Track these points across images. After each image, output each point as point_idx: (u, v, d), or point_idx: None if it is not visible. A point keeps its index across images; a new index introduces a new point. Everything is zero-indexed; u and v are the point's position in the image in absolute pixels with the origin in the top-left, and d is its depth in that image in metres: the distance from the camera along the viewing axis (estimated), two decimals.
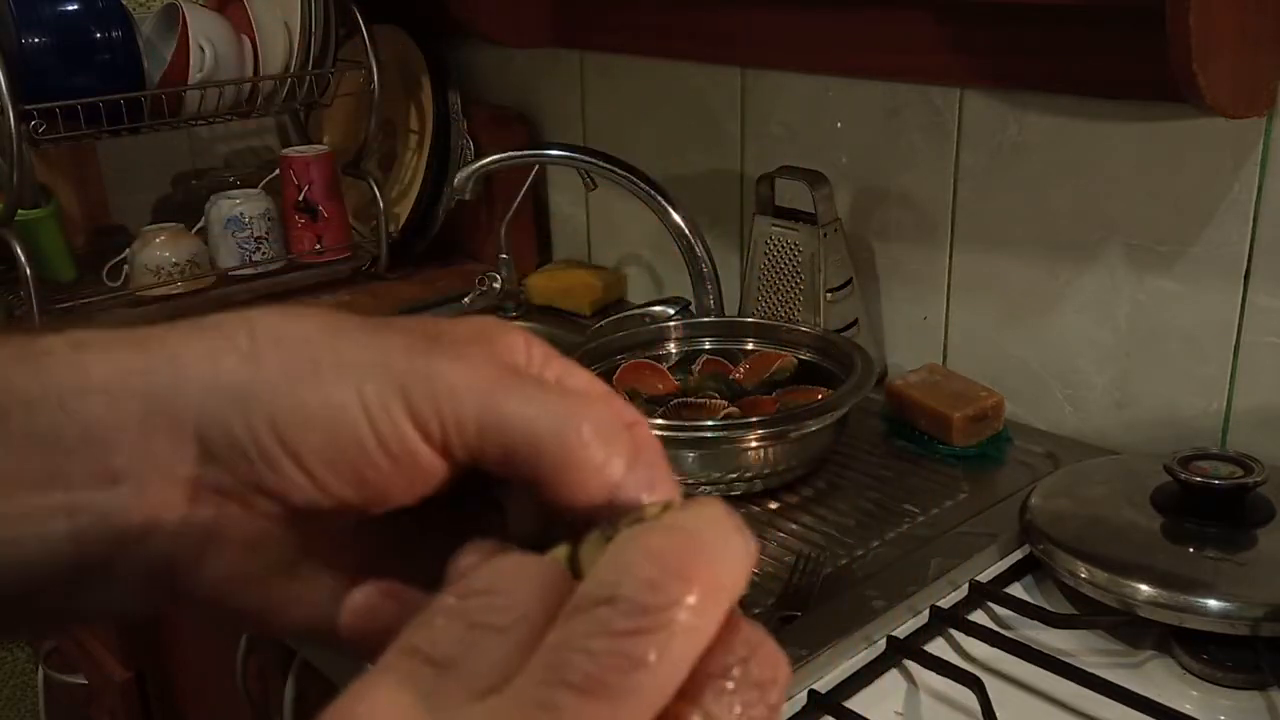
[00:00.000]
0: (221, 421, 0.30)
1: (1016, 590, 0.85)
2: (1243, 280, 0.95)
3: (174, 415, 0.30)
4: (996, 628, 0.80)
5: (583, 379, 0.33)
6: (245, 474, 0.30)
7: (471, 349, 0.31)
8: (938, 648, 0.78)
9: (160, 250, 1.40)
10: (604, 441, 0.29)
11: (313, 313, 0.32)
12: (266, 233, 1.48)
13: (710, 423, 0.96)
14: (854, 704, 0.72)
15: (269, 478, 0.30)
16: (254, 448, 0.29)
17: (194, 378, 0.30)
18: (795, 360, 1.09)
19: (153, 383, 0.30)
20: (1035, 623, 0.79)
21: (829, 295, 1.14)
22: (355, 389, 0.29)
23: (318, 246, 1.51)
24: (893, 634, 0.78)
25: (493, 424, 0.29)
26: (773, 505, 0.97)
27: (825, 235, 1.13)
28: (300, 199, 1.48)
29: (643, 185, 1.22)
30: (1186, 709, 0.68)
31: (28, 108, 1.23)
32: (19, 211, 1.30)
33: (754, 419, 0.97)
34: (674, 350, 1.14)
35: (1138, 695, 0.69)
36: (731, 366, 1.10)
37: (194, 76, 1.34)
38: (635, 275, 1.50)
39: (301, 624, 0.33)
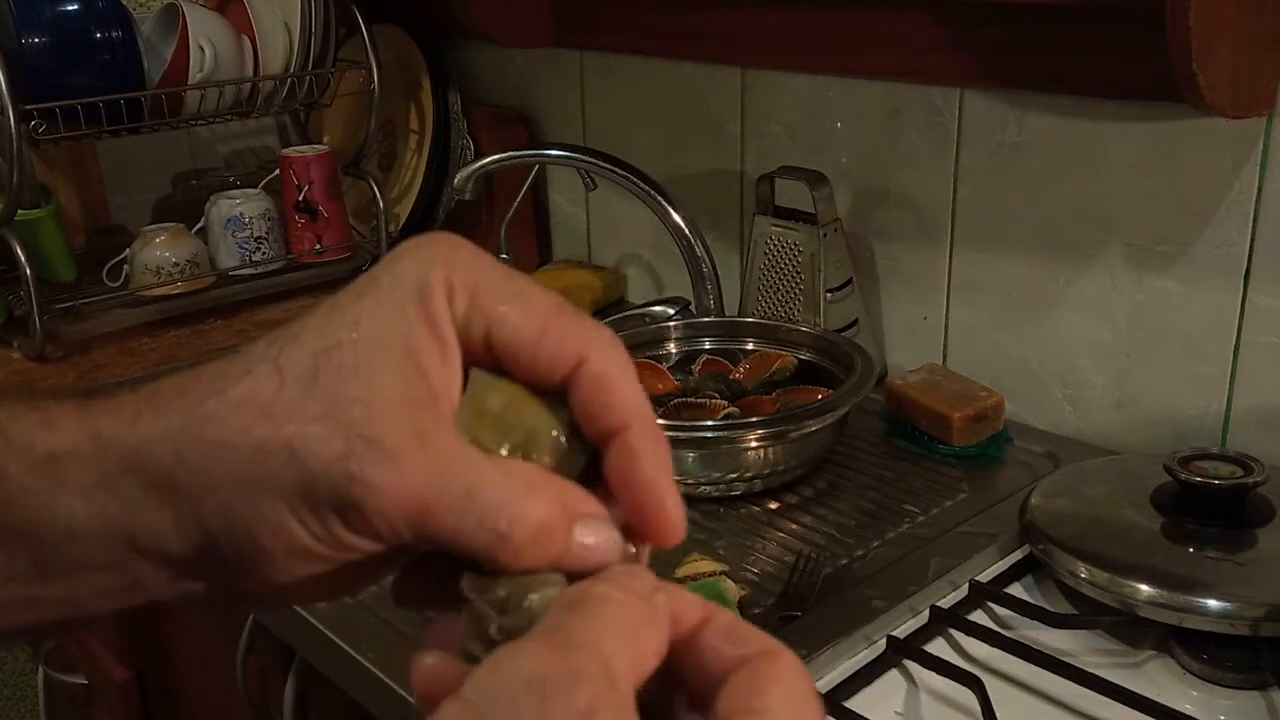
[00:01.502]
0: (164, 526, 0.32)
1: (1016, 590, 0.85)
2: (1243, 280, 0.95)
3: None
4: (996, 628, 0.80)
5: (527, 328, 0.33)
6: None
7: (389, 380, 0.31)
8: (938, 648, 0.78)
9: (160, 250, 1.40)
10: (541, 546, 0.31)
11: (233, 409, 0.31)
12: (266, 233, 1.48)
13: (710, 423, 0.96)
14: (854, 704, 0.72)
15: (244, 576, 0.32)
16: (214, 552, 0.32)
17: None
18: (795, 360, 1.09)
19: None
20: (1035, 623, 0.79)
21: (829, 295, 1.15)
22: (289, 511, 0.31)
23: (318, 247, 1.51)
24: (893, 634, 0.78)
25: (427, 537, 0.30)
26: (773, 505, 0.97)
27: (825, 235, 1.13)
28: (300, 199, 1.48)
29: (643, 185, 1.22)
30: (1186, 709, 0.68)
31: (28, 108, 1.23)
32: (19, 211, 1.30)
33: (754, 419, 0.97)
34: (674, 350, 1.14)
35: (1138, 695, 0.69)
36: (731, 366, 1.10)
37: (194, 76, 1.34)
38: (635, 275, 1.50)
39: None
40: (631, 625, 0.28)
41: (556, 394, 0.33)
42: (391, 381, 0.31)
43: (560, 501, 0.31)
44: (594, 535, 0.31)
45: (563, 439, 0.33)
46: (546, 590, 0.30)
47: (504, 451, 0.32)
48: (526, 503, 0.30)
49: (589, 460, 0.33)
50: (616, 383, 0.33)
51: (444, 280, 0.32)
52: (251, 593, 0.33)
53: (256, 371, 0.31)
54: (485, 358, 0.33)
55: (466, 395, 0.32)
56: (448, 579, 0.32)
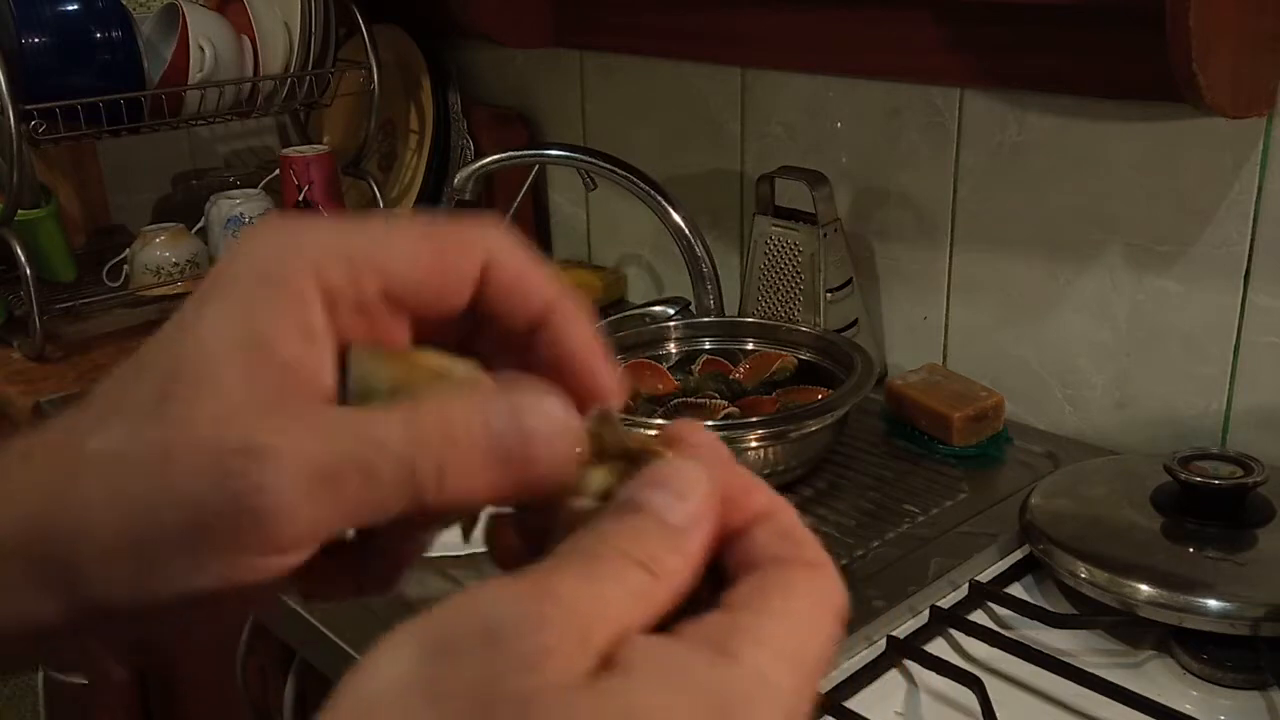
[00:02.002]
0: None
1: (1016, 590, 0.85)
2: (1243, 280, 0.95)
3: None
4: (996, 628, 0.80)
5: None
6: None
7: (242, 384, 0.28)
8: (938, 648, 0.78)
9: (160, 250, 1.40)
10: (468, 466, 0.28)
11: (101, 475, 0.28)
12: None
13: (710, 423, 0.96)
14: (854, 704, 0.72)
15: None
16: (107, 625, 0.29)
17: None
18: (795, 360, 1.09)
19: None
20: (1035, 623, 0.79)
21: (829, 295, 1.14)
22: (199, 572, 0.27)
23: None
24: (893, 634, 0.78)
25: (348, 514, 0.28)
26: None
27: (825, 235, 1.13)
28: (300, 199, 1.48)
29: (643, 185, 1.22)
30: (1186, 709, 0.68)
31: (28, 108, 1.23)
32: (19, 211, 1.30)
33: (754, 419, 0.97)
34: (674, 350, 1.14)
35: (1138, 695, 0.69)
36: (731, 366, 1.10)
37: (194, 76, 1.34)
38: (635, 275, 1.50)
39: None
40: (640, 592, 0.26)
41: (452, 349, 0.31)
42: (245, 385, 0.28)
43: (465, 398, 0.28)
44: (516, 413, 0.28)
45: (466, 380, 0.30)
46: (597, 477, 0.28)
47: None
48: (426, 415, 0.28)
49: None
50: (527, 272, 0.30)
51: (302, 259, 0.29)
52: (170, 643, 0.31)
53: (108, 424, 0.28)
54: (385, 314, 0.30)
55: (349, 379, 0.29)
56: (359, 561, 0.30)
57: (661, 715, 0.23)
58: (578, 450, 0.29)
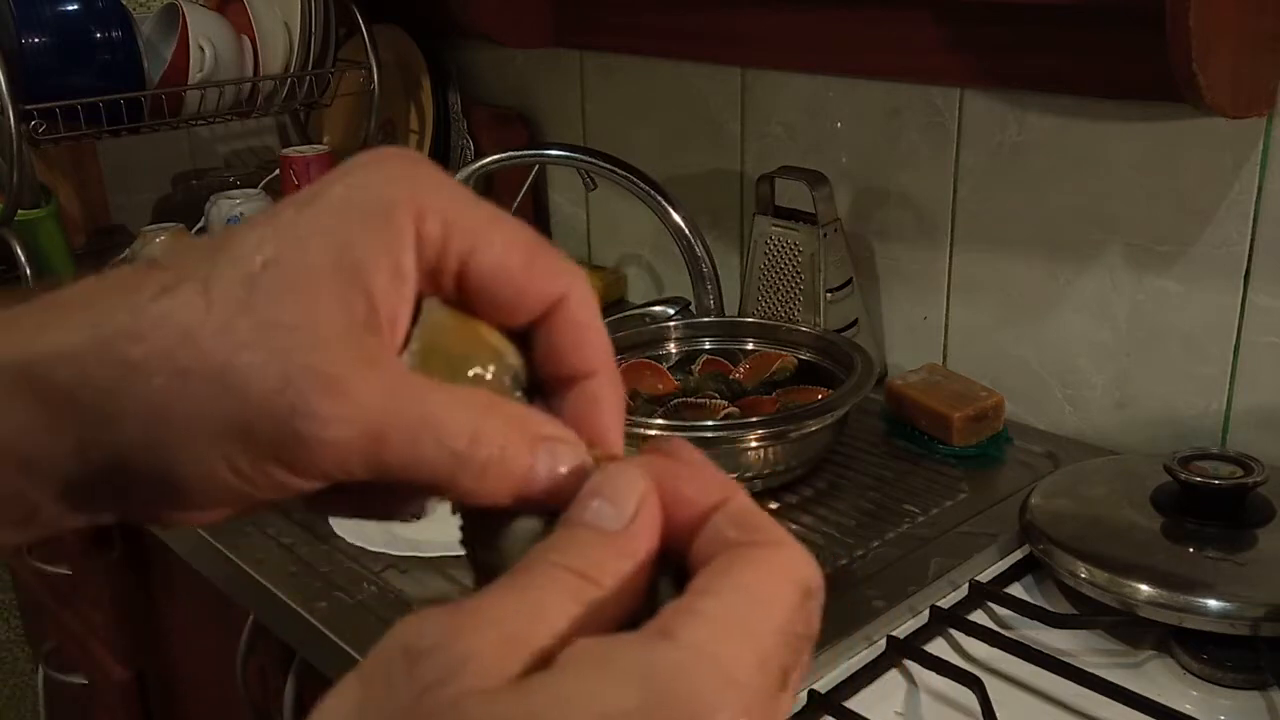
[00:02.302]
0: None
1: (1016, 590, 0.85)
2: (1243, 280, 0.95)
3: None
4: (996, 628, 0.80)
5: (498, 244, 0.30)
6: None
7: (331, 303, 0.27)
8: (938, 648, 0.78)
9: (160, 250, 1.40)
10: (504, 467, 0.28)
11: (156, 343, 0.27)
12: None
13: (710, 423, 0.96)
14: (854, 704, 0.72)
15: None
16: (119, 480, 0.29)
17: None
18: (795, 360, 1.09)
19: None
20: (1035, 623, 0.79)
21: (829, 295, 1.14)
22: (217, 450, 0.27)
23: None
24: (893, 634, 0.78)
25: (381, 469, 0.28)
26: (773, 505, 0.97)
27: (825, 235, 1.13)
28: None
29: (643, 185, 1.22)
30: (1186, 709, 0.68)
31: (28, 108, 1.23)
32: (19, 211, 1.30)
33: (754, 419, 0.97)
34: (674, 350, 1.14)
35: (1138, 695, 0.69)
36: (731, 366, 1.10)
37: (194, 76, 1.34)
38: (635, 275, 1.50)
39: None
40: (573, 594, 0.25)
41: (513, 336, 0.31)
42: (334, 305, 0.27)
43: (520, 422, 0.29)
44: (556, 456, 0.29)
45: (508, 385, 0.31)
46: (528, 523, 0.29)
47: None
48: (486, 421, 0.28)
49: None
50: (593, 326, 0.31)
51: (411, 201, 0.29)
52: (155, 519, 0.30)
53: (180, 290, 0.27)
54: (450, 291, 0.30)
55: (418, 328, 0.30)
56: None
57: (588, 701, 0.23)
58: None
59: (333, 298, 0.28)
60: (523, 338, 0.31)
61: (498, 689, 0.23)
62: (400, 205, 0.28)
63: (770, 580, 0.26)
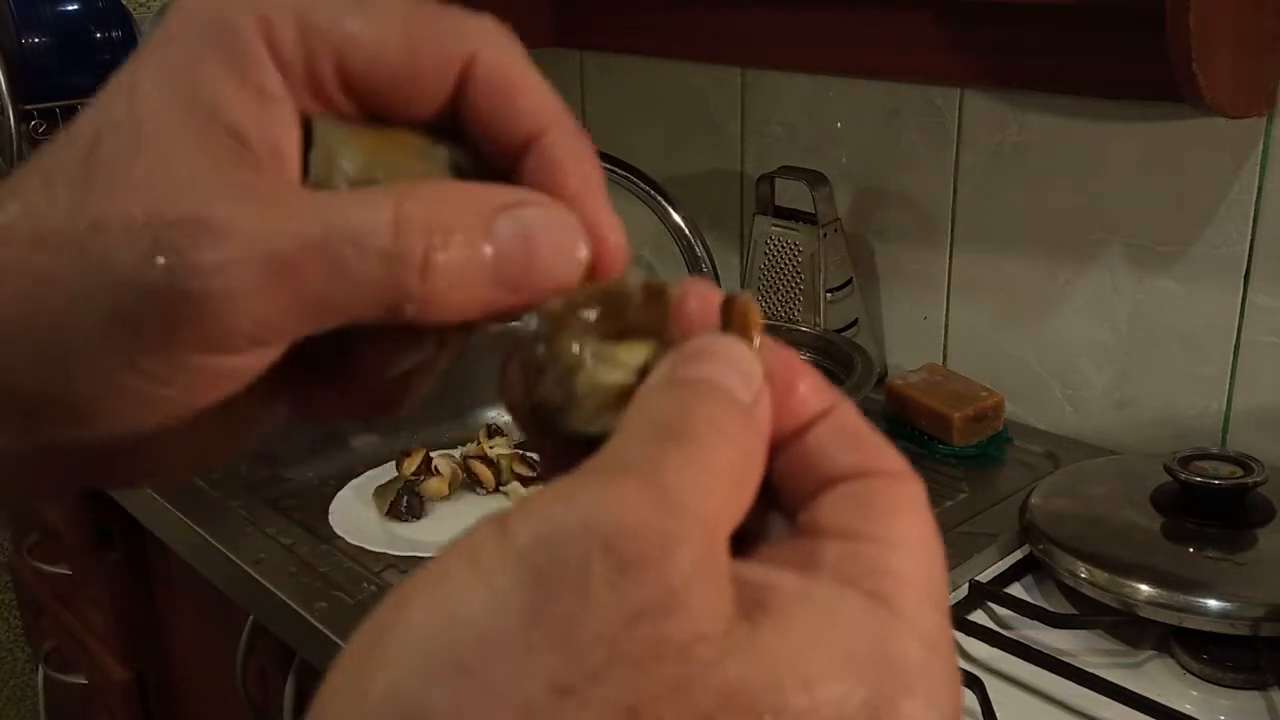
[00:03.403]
0: None
1: (1016, 590, 0.85)
2: (1243, 280, 0.95)
3: None
4: (996, 628, 0.79)
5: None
6: None
7: (186, 147, 0.23)
8: None
9: None
10: (458, 271, 0.24)
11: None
12: None
13: None
14: None
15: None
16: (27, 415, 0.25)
17: None
18: None
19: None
20: (1035, 623, 0.79)
21: (829, 295, 1.14)
22: (112, 354, 0.23)
23: None
24: None
25: (303, 309, 0.23)
26: None
27: (825, 235, 1.13)
28: None
29: (643, 185, 1.22)
30: (1186, 709, 0.68)
31: (28, 108, 1.23)
32: None
33: None
34: None
35: (1138, 695, 0.69)
36: None
37: None
38: (635, 275, 1.50)
39: None
40: (742, 473, 0.21)
41: (434, 130, 0.26)
42: (190, 148, 0.23)
43: (460, 194, 0.24)
44: (523, 223, 0.24)
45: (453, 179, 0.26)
46: (606, 360, 0.24)
47: None
48: (407, 204, 0.23)
49: None
50: (518, 80, 0.25)
51: (253, 15, 0.24)
52: (96, 473, 0.26)
53: (23, 186, 0.24)
54: (345, 103, 0.25)
55: (313, 151, 0.25)
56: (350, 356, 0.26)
57: (829, 674, 0.19)
58: (581, 266, 0.25)
59: (188, 144, 0.23)
60: (460, 132, 0.26)
61: (730, 644, 0.19)
62: (241, 22, 0.24)
63: (929, 527, 0.23)
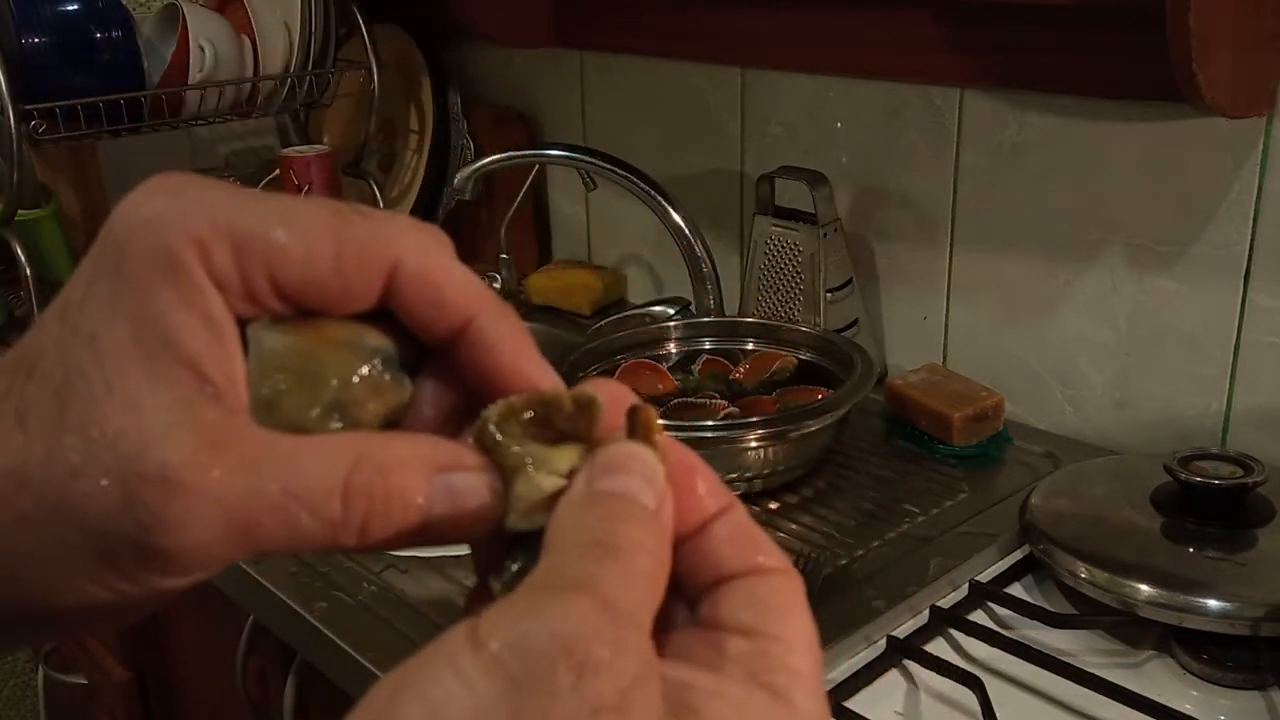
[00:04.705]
0: None
1: (1016, 590, 0.85)
2: (1243, 280, 0.95)
3: None
4: (996, 628, 0.80)
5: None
6: None
7: (152, 391, 0.25)
8: (938, 648, 0.78)
9: None
10: (387, 518, 0.27)
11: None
12: None
13: (710, 423, 0.96)
14: (854, 704, 0.72)
15: None
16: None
17: None
18: (795, 360, 1.09)
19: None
20: (1035, 623, 0.79)
21: (829, 295, 1.14)
22: (87, 578, 0.26)
23: None
24: (893, 634, 0.78)
25: (259, 552, 0.27)
26: (773, 505, 0.97)
27: (825, 235, 1.13)
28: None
29: (643, 185, 1.22)
30: (1186, 709, 0.68)
31: (28, 108, 1.23)
32: (19, 211, 1.30)
33: (754, 419, 0.97)
34: (674, 350, 1.14)
35: (1138, 695, 0.69)
36: (731, 366, 1.10)
37: (194, 76, 1.34)
38: (635, 275, 1.50)
39: None
40: (655, 575, 0.25)
41: (368, 318, 0.28)
42: (156, 392, 0.25)
43: (403, 459, 0.27)
44: (453, 490, 0.27)
45: (380, 371, 0.28)
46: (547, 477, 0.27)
47: (315, 415, 0.27)
48: (356, 476, 0.26)
49: (418, 373, 0.30)
50: (441, 275, 0.28)
51: (190, 238, 0.26)
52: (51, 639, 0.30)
53: (1, 426, 0.26)
54: (278, 307, 0.27)
55: (251, 365, 0.27)
56: None
57: None
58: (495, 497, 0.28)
59: (151, 383, 0.25)
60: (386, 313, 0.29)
61: None
62: (179, 247, 0.26)
63: (810, 620, 0.27)
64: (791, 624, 0.26)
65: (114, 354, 0.25)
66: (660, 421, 0.28)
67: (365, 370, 0.28)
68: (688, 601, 0.27)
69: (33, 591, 0.26)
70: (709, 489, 0.28)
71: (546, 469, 0.27)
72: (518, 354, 0.28)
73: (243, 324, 0.27)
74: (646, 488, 0.26)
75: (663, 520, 0.26)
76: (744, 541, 0.27)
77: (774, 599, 0.26)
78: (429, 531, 0.27)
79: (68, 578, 0.26)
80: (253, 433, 0.26)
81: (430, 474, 0.27)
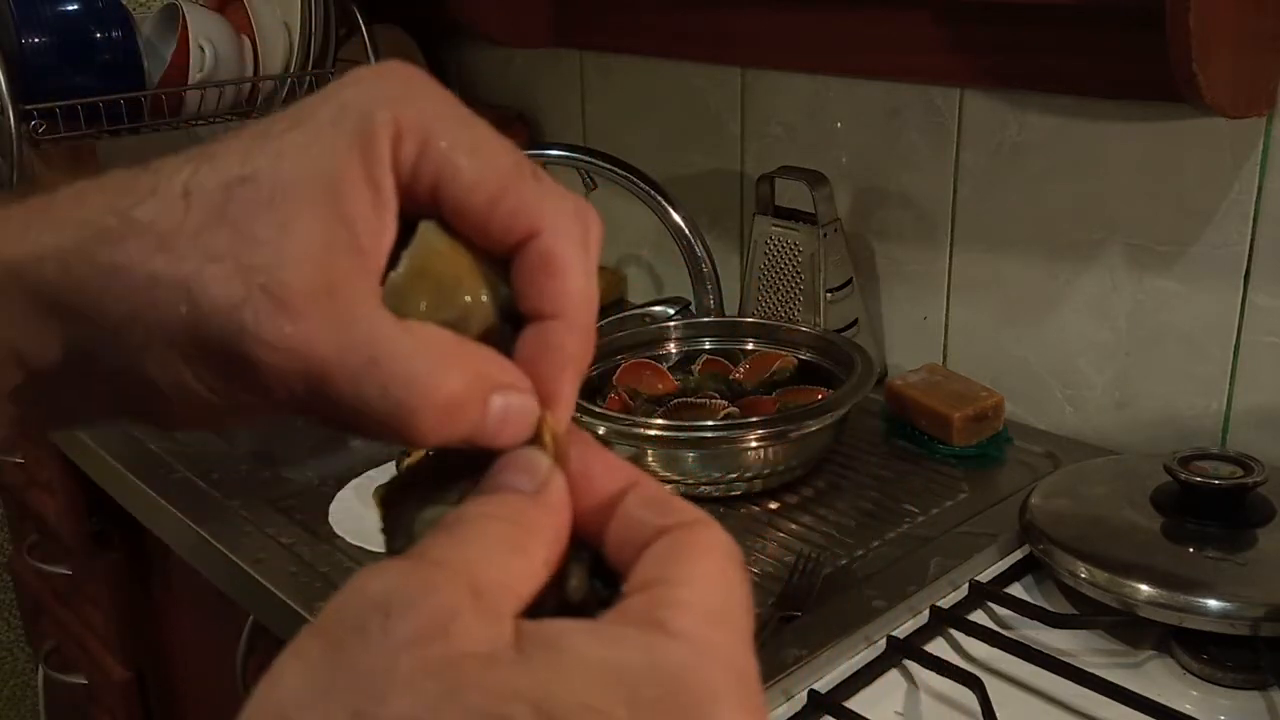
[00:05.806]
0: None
1: (1016, 590, 0.85)
2: (1243, 280, 0.95)
3: None
4: (996, 628, 0.80)
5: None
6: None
7: (305, 222, 0.27)
8: (938, 648, 0.78)
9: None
10: (450, 421, 0.28)
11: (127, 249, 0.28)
12: None
13: (710, 423, 0.96)
14: (854, 704, 0.72)
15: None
16: (107, 377, 0.30)
17: None
18: (795, 360, 1.09)
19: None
20: (1035, 623, 0.79)
21: (829, 295, 1.15)
22: (179, 355, 0.28)
23: None
24: (893, 634, 0.78)
25: (326, 403, 0.28)
26: (773, 505, 0.97)
27: (825, 235, 1.13)
28: None
29: (643, 185, 1.22)
30: (1186, 709, 0.68)
31: (28, 108, 1.22)
32: None
33: (754, 419, 0.97)
34: (674, 350, 1.14)
35: (1138, 695, 0.69)
36: (731, 366, 1.10)
37: (194, 76, 1.34)
38: (635, 275, 1.50)
39: None
40: (520, 542, 0.26)
41: (501, 263, 0.30)
42: (308, 225, 0.27)
43: (476, 373, 0.28)
44: (509, 408, 0.28)
45: (500, 317, 0.30)
46: (435, 509, 0.29)
47: (435, 319, 0.29)
48: (438, 375, 0.27)
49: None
50: (562, 267, 0.29)
51: (391, 121, 0.28)
52: (153, 417, 0.31)
53: (162, 193, 0.28)
54: (429, 212, 0.29)
55: (410, 250, 0.29)
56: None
57: (599, 683, 0.23)
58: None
59: (310, 218, 0.27)
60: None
61: (498, 656, 0.23)
62: (382, 126, 0.28)
63: (722, 561, 0.26)
64: (687, 566, 0.26)
65: (290, 179, 0.28)
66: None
67: (491, 309, 0.30)
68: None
69: (131, 354, 0.28)
70: (605, 466, 0.28)
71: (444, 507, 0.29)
72: (559, 369, 0.30)
73: (412, 215, 0.29)
74: (522, 475, 0.28)
75: (545, 498, 0.27)
76: (654, 509, 0.27)
77: (675, 549, 0.26)
78: (470, 436, 0.28)
79: (164, 350, 0.28)
80: (370, 296, 0.28)
81: (495, 388, 0.28)
